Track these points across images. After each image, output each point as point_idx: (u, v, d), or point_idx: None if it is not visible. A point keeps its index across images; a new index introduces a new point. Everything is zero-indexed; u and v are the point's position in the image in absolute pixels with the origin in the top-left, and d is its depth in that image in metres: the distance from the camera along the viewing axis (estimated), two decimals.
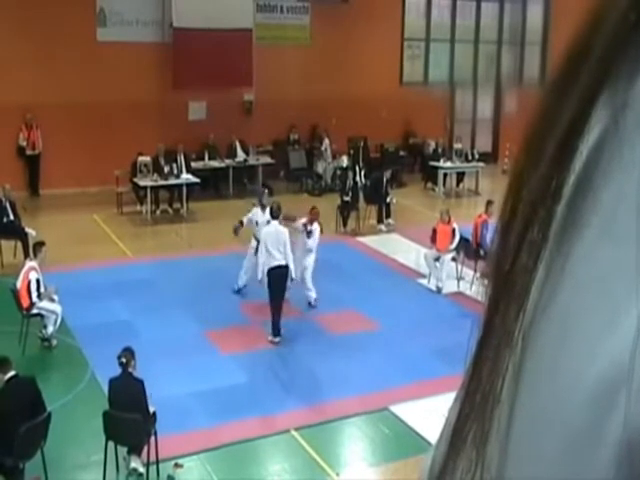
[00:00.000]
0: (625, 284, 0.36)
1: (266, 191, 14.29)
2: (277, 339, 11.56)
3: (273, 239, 11.59)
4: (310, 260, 12.77)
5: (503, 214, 0.45)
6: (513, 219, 0.44)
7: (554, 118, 0.42)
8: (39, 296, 11.13)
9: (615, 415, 0.35)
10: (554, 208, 0.42)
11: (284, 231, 11.78)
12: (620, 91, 0.40)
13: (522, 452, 0.39)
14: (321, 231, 13.08)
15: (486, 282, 0.45)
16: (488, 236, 13.47)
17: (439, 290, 13.66)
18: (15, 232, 14.27)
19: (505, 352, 0.42)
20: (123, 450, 8.45)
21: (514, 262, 0.43)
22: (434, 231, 14.14)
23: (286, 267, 11.55)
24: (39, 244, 11.88)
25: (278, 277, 11.50)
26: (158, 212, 18.02)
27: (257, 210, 13.12)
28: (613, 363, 0.35)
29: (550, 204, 0.42)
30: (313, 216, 12.88)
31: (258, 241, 12.36)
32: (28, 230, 14.25)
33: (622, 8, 0.40)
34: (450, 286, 13.70)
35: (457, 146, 21.42)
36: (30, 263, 11.34)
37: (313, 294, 12.76)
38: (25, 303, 11.08)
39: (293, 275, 11.78)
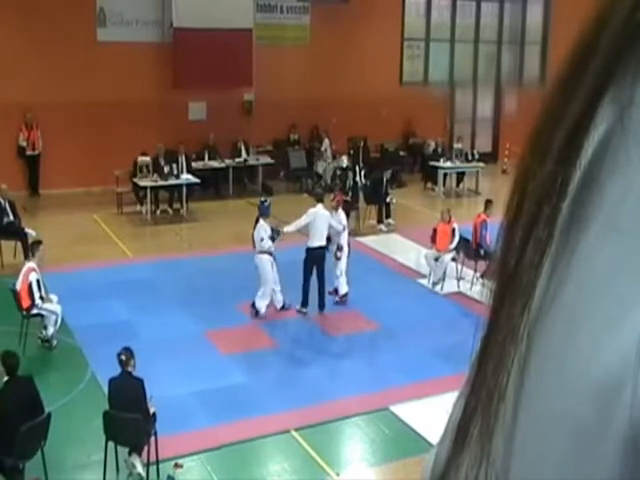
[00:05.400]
0: (631, 278, 0.36)
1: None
2: (305, 309, 12.46)
3: (323, 221, 12.56)
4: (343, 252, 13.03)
5: (509, 211, 0.45)
6: (519, 216, 0.44)
7: (560, 115, 0.42)
8: (41, 297, 11.14)
9: (620, 410, 0.35)
10: (559, 205, 0.42)
11: (329, 215, 12.75)
12: (626, 88, 0.40)
13: (527, 447, 0.39)
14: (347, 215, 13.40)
15: (491, 279, 0.46)
16: (487, 236, 13.47)
17: (434, 285, 13.66)
18: (15, 233, 14.26)
19: (510, 348, 0.42)
20: (123, 450, 8.45)
21: (520, 258, 0.43)
22: (434, 231, 14.14)
23: (324, 248, 12.57)
24: (36, 243, 11.90)
25: (318, 257, 12.47)
26: (158, 212, 18.03)
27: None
28: (619, 357, 0.35)
29: (556, 201, 0.42)
30: (338, 203, 13.16)
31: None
32: (28, 230, 14.24)
33: (628, 7, 0.40)
34: (450, 286, 13.70)
35: (457, 146, 21.41)
36: (29, 264, 11.33)
37: (342, 288, 13.01)
38: (25, 304, 11.07)
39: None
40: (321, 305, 12.59)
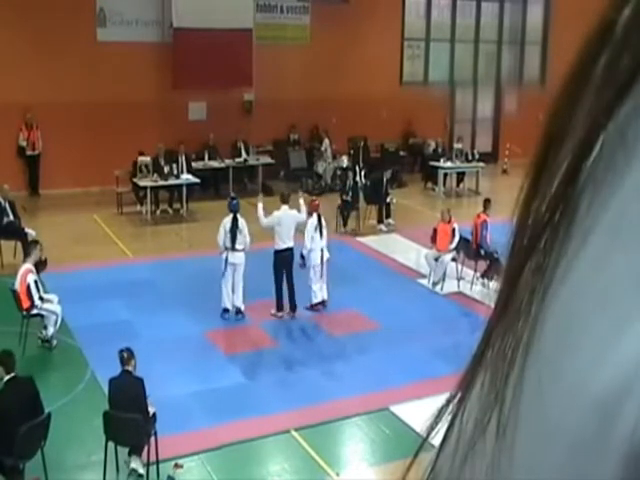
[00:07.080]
0: (636, 286, 0.35)
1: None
2: (280, 313, 12.28)
3: (289, 222, 12.39)
4: (310, 258, 12.68)
5: (519, 214, 0.44)
6: (526, 218, 0.43)
7: (569, 119, 0.41)
8: (40, 298, 11.13)
9: (622, 424, 0.34)
10: (567, 208, 0.41)
11: (295, 214, 12.59)
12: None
13: (527, 458, 0.39)
14: (320, 222, 12.83)
15: (498, 283, 0.45)
16: (488, 237, 13.47)
17: (434, 285, 13.64)
18: (15, 233, 14.26)
19: (508, 353, 0.41)
20: (123, 450, 8.45)
21: (523, 266, 0.42)
22: (434, 231, 14.14)
23: (292, 250, 12.37)
24: (33, 243, 11.93)
25: (286, 259, 12.31)
26: (158, 212, 18.03)
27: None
28: (622, 371, 0.34)
29: (563, 204, 0.41)
30: (312, 208, 12.90)
31: None
32: (28, 230, 14.24)
33: None
34: (450, 286, 13.69)
35: (457, 146, 21.40)
36: (26, 265, 11.31)
37: (314, 296, 12.60)
38: (25, 304, 11.07)
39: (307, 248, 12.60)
40: (292, 307, 12.40)
